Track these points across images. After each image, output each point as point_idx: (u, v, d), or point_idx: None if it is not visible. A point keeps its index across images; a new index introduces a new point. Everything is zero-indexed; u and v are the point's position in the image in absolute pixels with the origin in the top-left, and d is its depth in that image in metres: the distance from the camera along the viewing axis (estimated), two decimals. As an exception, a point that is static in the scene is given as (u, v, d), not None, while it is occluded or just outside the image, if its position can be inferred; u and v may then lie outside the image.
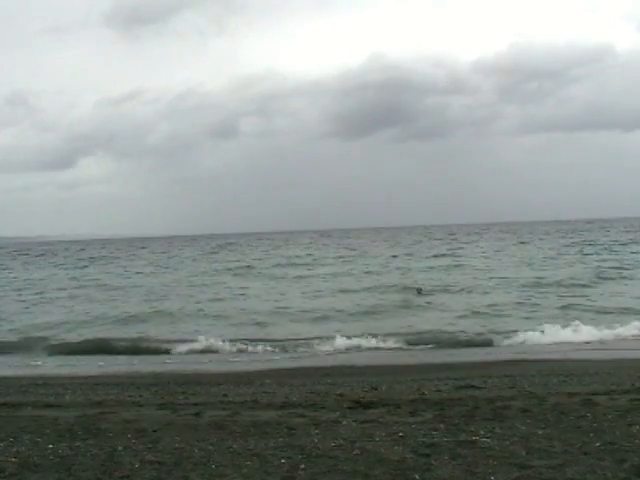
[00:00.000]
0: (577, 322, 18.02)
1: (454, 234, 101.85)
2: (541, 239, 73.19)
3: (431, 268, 39.28)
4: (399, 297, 25.74)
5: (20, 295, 33.06)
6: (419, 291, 26.40)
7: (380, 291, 28.36)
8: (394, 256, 52.32)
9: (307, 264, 47.60)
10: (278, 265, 47.06)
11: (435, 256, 50.18)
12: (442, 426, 6.68)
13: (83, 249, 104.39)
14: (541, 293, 25.88)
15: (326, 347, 16.78)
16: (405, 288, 28.31)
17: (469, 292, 27.15)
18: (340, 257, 54.22)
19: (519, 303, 23.54)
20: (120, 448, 6.18)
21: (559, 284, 28.18)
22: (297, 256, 57.62)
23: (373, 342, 16.96)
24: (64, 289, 35.09)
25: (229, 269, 44.94)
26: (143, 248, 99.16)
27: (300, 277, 37.14)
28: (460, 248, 60.28)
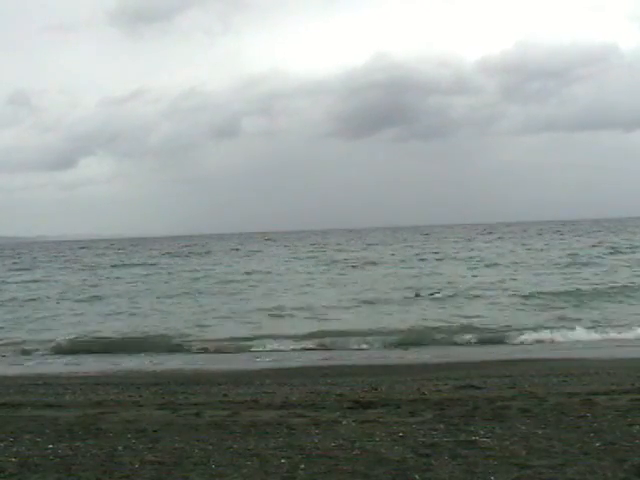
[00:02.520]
0: None
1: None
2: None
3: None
4: None
5: None
6: (417, 295, 26.17)
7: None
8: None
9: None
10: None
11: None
12: (442, 426, 6.68)
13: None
14: None
15: None
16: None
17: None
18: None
19: None
20: (120, 448, 6.18)
21: None
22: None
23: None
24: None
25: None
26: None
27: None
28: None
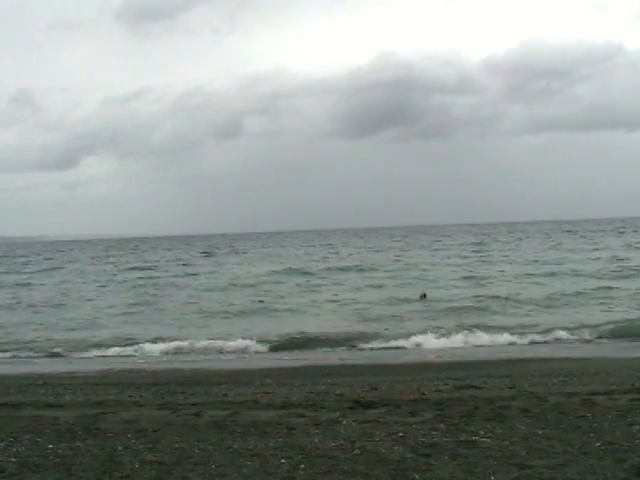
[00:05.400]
0: None
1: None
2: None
3: None
4: None
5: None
6: (422, 296, 25.84)
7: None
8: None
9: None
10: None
11: None
12: (442, 426, 6.68)
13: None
14: None
15: None
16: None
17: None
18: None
19: None
20: (120, 448, 6.18)
21: None
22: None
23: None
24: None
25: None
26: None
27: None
28: None
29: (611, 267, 35.62)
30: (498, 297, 24.99)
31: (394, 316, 22.00)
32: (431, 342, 17.15)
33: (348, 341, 17.65)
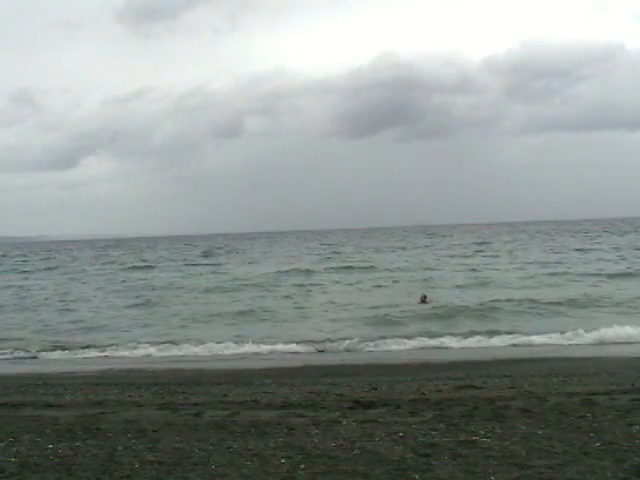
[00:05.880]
0: None
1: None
2: None
3: None
4: None
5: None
6: (423, 299, 25.62)
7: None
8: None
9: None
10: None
11: None
12: (442, 426, 6.68)
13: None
14: None
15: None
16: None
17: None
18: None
19: None
20: (120, 448, 6.18)
21: None
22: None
23: None
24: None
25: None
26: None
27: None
28: None
29: (619, 267, 35.60)
30: (499, 299, 24.90)
31: (394, 317, 22.01)
32: (431, 343, 17.17)
33: (348, 341, 17.64)
